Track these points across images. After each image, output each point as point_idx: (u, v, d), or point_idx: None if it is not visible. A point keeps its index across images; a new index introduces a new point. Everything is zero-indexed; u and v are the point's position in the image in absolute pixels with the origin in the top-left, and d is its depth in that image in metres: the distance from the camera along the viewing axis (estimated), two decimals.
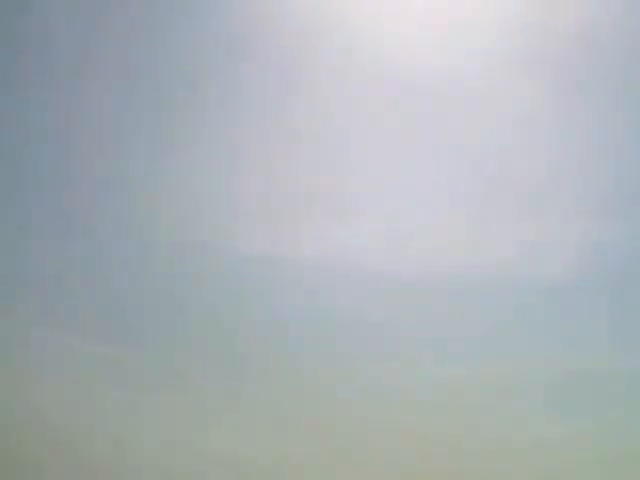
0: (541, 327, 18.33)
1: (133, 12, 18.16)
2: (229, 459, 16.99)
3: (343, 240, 18.35)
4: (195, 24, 18.36)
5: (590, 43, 18.59)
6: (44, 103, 18.12)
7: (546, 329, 18.28)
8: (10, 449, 16.29)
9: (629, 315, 18.17)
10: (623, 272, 18.57)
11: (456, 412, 17.60)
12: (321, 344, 17.87)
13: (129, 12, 18.13)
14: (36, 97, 18.30)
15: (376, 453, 17.29)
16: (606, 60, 18.75)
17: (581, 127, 18.93)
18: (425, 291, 17.96)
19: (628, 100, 18.98)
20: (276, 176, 18.51)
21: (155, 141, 18.52)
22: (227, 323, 17.71)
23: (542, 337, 18.16)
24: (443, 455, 17.15)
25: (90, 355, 17.01)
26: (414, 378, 17.59)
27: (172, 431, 17.10)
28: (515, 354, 17.93)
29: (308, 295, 17.95)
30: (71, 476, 16.34)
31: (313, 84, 18.77)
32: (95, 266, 17.93)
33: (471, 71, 18.65)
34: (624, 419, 17.35)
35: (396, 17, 18.43)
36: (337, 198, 18.63)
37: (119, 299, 17.76)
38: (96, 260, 17.98)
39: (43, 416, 16.64)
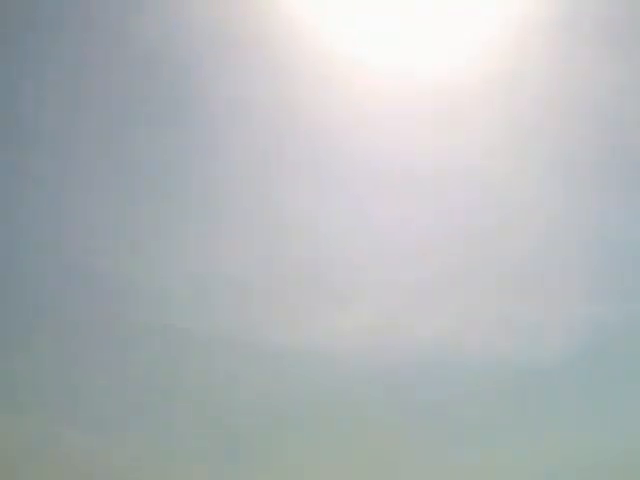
0: (536, 411, 18.29)
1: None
2: None
3: (339, 327, 18.29)
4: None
5: (592, 120, 18.69)
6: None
7: (541, 413, 18.24)
8: None
9: (623, 398, 18.16)
10: (619, 354, 18.58)
11: None
12: (319, 433, 17.76)
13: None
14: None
15: None
16: (608, 137, 18.85)
17: (579, 207, 18.99)
18: (421, 377, 18.00)
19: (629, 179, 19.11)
20: (272, 261, 18.51)
21: (149, 226, 18.48)
22: (220, 412, 17.59)
23: (538, 422, 18.13)
24: None
25: (76, 445, 16.84)
26: (411, 463, 17.51)
27: None
28: (511, 439, 17.87)
29: (305, 383, 17.85)
30: None
31: (312, 162, 18.85)
32: (84, 351, 17.76)
33: (471, 151, 18.73)
34: None
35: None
36: (334, 283, 18.61)
37: (108, 387, 17.56)
38: (85, 346, 17.81)
39: None
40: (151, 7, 17.84)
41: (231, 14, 17.69)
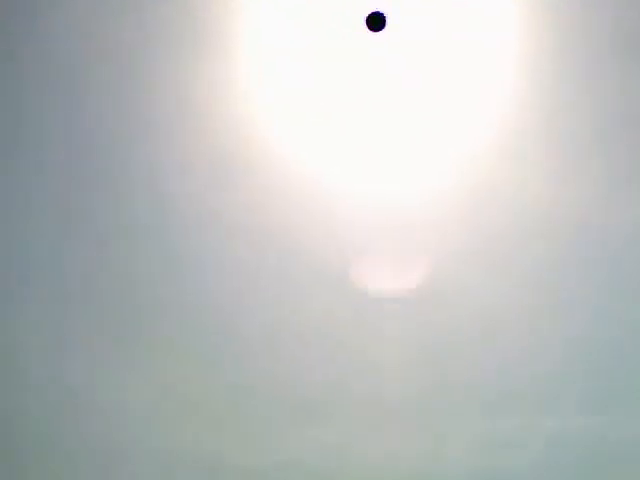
0: None
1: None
2: None
3: (317, 445, 18.02)
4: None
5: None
6: None
7: None
8: None
9: None
10: (606, 468, 18.21)
11: None
12: None
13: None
14: None
15: None
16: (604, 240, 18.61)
17: (567, 318, 18.80)
18: None
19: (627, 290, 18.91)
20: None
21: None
22: None
23: None
24: None
25: None
26: None
27: None
28: None
29: None
30: None
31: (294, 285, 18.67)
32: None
33: (471, 275, 18.61)
34: None
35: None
36: (313, 401, 18.38)
37: None
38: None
39: None
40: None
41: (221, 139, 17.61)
